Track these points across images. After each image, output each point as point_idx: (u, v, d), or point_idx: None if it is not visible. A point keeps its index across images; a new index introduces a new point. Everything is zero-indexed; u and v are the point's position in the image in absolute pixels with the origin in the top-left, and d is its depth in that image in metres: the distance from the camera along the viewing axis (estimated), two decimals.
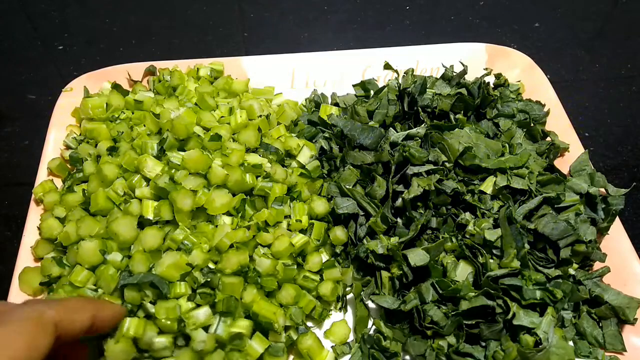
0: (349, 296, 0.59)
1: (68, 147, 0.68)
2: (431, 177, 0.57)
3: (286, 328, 0.54)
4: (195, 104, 0.67)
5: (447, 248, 0.55)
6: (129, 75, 0.75)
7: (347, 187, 0.60)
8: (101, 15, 0.97)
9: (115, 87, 0.73)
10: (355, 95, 0.76)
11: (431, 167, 0.58)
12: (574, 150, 0.67)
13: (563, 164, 0.66)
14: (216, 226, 0.55)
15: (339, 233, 0.59)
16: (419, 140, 0.62)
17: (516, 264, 0.52)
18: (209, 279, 0.53)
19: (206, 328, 0.51)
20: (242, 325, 0.51)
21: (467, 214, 0.57)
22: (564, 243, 0.55)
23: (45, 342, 0.35)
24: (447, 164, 0.59)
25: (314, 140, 0.68)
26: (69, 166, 0.66)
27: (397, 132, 0.64)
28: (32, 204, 0.63)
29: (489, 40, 0.81)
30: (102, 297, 0.51)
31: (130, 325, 0.48)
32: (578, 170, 0.65)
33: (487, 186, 0.58)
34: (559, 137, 0.68)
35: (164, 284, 0.50)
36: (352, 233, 0.60)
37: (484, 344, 0.52)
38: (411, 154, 0.58)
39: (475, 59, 0.77)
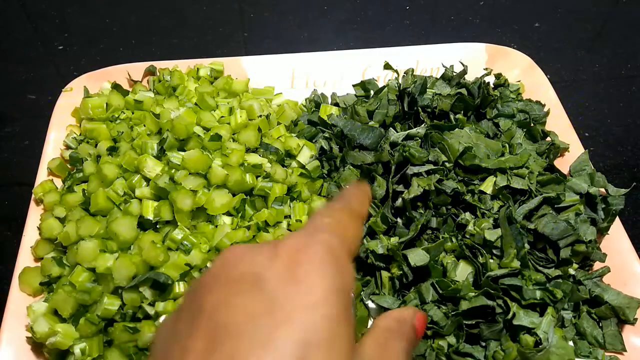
0: None
1: (68, 147, 0.68)
2: (431, 177, 0.57)
3: None
4: (195, 104, 0.67)
5: (447, 248, 0.55)
6: (129, 75, 0.75)
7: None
8: (101, 15, 0.97)
9: (115, 87, 0.73)
10: (355, 95, 0.76)
11: (431, 167, 0.58)
12: (574, 150, 0.67)
13: (563, 164, 0.66)
14: (216, 226, 0.55)
15: None
16: (419, 140, 0.62)
17: (516, 264, 0.52)
18: None
19: None
20: None
21: (467, 214, 0.57)
22: (564, 243, 0.55)
23: (361, 230, 0.33)
24: (447, 164, 0.59)
25: (314, 140, 0.67)
26: (69, 166, 0.66)
27: (397, 132, 0.64)
28: (32, 204, 0.63)
29: (489, 40, 0.81)
30: (102, 294, 0.51)
31: None
32: (578, 170, 0.65)
33: (487, 186, 0.58)
34: (559, 137, 0.68)
35: (162, 275, 0.50)
36: None
37: (484, 344, 0.52)
38: (411, 153, 0.58)
39: (475, 59, 0.77)
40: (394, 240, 0.56)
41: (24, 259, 0.58)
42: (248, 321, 0.24)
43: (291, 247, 0.27)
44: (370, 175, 0.61)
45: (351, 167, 0.62)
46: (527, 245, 0.54)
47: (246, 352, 0.23)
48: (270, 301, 0.25)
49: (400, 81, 0.74)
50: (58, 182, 0.64)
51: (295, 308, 0.24)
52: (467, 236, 0.56)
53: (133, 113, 0.68)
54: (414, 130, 0.62)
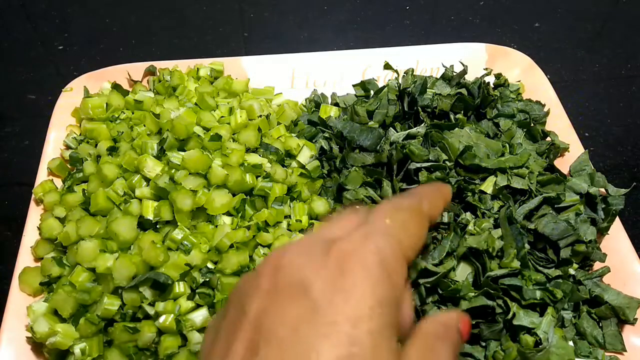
0: None
1: (68, 147, 0.68)
2: (435, 174, 0.57)
3: None
4: (195, 104, 0.67)
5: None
6: (129, 75, 0.75)
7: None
8: (101, 15, 0.97)
9: (115, 87, 0.73)
10: (355, 95, 0.76)
11: (432, 164, 0.58)
12: (574, 150, 0.67)
13: (563, 164, 0.66)
14: (216, 226, 0.55)
15: None
16: (420, 139, 0.62)
17: (516, 264, 0.52)
18: (207, 279, 0.53)
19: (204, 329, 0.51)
20: None
21: (468, 213, 0.57)
22: (564, 243, 0.55)
23: (425, 234, 0.31)
24: (447, 163, 0.59)
25: (314, 140, 0.67)
26: (69, 166, 0.66)
27: (397, 132, 0.64)
28: (32, 204, 0.63)
29: (489, 40, 0.81)
30: (102, 294, 0.51)
31: None
32: (578, 170, 0.65)
33: (488, 186, 0.58)
34: (559, 137, 0.68)
35: (162, 275, 0.50)
36: None
37: (484, 344, 0.52)
38: (411, 150, 0.58)
39: (475, 59, 0.77)
40: None
41: (24, 259, 0.58)
42: (291, 331, 0.24)
43: (343, 252, 0.27)
44: (375, 177, 0.60)
45: (357, 168, 0.62)
46: (527, 245, 0.54)
47: None
48: (314, 310, 0.24)
49: (400, 81, 0.74)
50: (58, 182, 0.64)
51: (340, 319, 0.24)
52: (468, 236, 0.55)
53: (133, 113, 0.68)
54: (414, 130, 0.62)
